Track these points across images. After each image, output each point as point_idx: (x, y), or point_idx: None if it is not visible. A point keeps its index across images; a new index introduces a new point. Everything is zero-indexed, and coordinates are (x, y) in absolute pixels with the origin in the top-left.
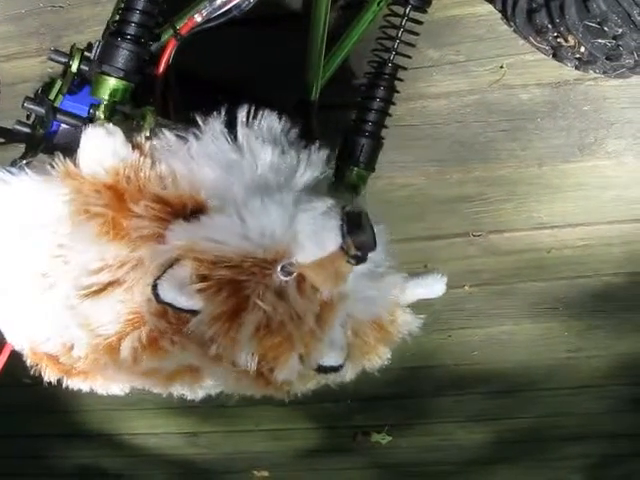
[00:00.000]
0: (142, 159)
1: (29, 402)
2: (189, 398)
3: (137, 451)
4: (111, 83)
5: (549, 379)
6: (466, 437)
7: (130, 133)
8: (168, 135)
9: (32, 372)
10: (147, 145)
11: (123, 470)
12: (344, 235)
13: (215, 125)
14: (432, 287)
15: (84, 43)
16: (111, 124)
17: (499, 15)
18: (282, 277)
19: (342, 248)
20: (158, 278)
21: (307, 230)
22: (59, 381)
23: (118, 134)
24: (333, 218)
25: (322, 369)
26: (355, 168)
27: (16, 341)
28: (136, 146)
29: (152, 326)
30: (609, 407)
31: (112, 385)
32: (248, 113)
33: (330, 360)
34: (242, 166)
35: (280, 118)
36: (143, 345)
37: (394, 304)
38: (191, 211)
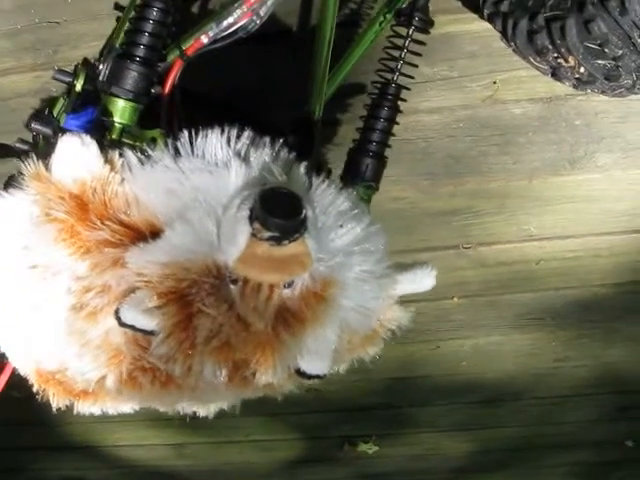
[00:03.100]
0: (112, 175)
1: (14, 415)
2: (201, 415)
3: (123, 462)
4: (120, 105)
5: (536, 388)
6: (453, 446)
7: (106, 148)
8: (131, 157)
9: (38, 391)
10: (119, 162)
11: None
12: (252, 222)
13: (165, 157)
14: (421, 282)
15: (80, 59)
16: (88, 135)
17: (492, 32)
18: (231, 285)
19: (255, 235)
20: (121, 302)
21: (224, 232)
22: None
23: (92, 146)
24: (243, 209)
25: (305, 376)
26: (360, 188)
27: (21, 366)
28: (108, 161)
29: (130, 357)
30: (596, 415)
31: (121, 406)
32: (190, 138)
33: (315, 369)
34: (186, 190)
35: (225, 137)
36: (124, 380)
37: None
38: (152, 234)
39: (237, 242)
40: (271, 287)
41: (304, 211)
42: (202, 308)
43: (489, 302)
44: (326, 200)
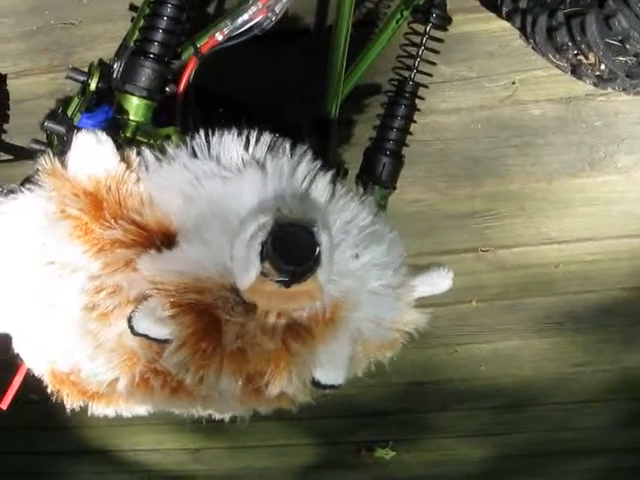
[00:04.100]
0: (127, 173)
1: (33, 419)
2: (217, 418)
3: (140, 467)
4: (134, 102)
5: (555, 393)
6: (471, 452)
7: (122, 146)
8: (147, 155)
9: (50, 392)
10: (136, 161)
11: None
12: (262, 260)
13: (183, 155)
14: (438, 284)
15: (95, 60)
16: (104, 133)
17: (511, 32)
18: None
19: (265, 274)
20: (133, 311)
21: (236, 256)
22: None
23: (108, 144)
24: (256, 240)
25: (321, 386)
26: (377, 187)
27: (36, 367)
28: (125, 159)
29: (144, 360)
30: (615, 421)
31: (135, 408)
32: (207, 142)
33: (330, 379)
34: (201, 197)
35: (242, 140)
36: (136, 382)
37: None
38: (164, 237)
39: (248, 274)
40: (279, 313)
41: (317, 249)
42: (228, 318)
43: (508, 306)
44: (347, 215)
